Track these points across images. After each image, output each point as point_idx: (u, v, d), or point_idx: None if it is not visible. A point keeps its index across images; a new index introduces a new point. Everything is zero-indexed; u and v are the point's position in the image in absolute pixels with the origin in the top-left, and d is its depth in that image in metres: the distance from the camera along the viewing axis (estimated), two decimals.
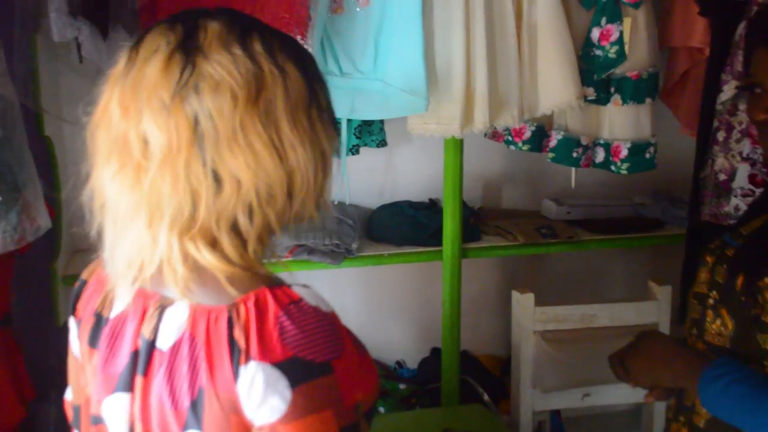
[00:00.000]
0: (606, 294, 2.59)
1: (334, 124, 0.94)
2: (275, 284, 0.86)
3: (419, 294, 2.52)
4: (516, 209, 2.53)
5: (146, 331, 0.89)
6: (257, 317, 0.82)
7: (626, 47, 1.98)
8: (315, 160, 0.88)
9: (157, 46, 0.85)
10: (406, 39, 1.89)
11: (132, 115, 0.84)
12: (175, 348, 0.86)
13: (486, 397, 2.34)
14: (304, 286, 0.87)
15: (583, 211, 2.43)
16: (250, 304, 0.83)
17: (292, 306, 0.83)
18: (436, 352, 2.51)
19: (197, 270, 0.85)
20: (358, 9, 1.91)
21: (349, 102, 2.00)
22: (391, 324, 2.55)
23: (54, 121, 1.99)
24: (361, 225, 2.34)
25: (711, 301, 1.23)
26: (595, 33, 2.00)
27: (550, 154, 2.14)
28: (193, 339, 0.85)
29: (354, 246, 2.21)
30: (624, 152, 2.09)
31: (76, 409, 1.02)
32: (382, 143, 2.19)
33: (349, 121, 2.07)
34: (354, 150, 2.14)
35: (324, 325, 0.83)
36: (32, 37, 1.87)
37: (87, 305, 0.98)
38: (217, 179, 0.83)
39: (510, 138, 2.18)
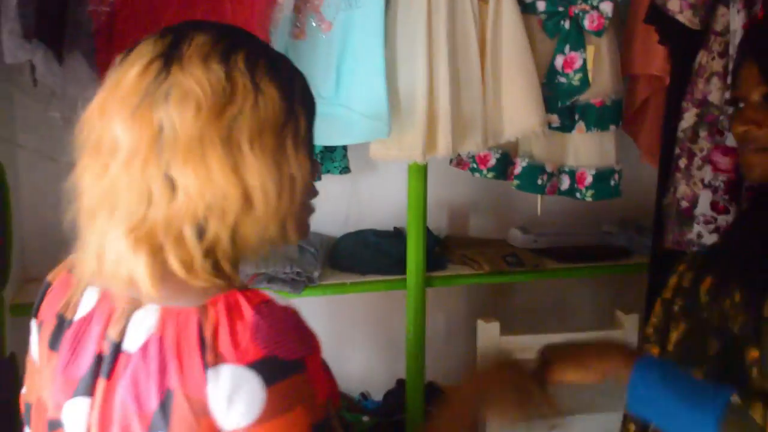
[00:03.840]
0: (573, 323, 2.57)
1: (311, 151, 0.94)
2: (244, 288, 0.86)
3: (384, 324, 2.48)
4: (482, 237, 2.51)
5: (113, 333, 0.89)
6: (228, 318, 0.82)
7: (590, 74, 1.99)
8: (280, 183, 0.87)
9: (145, 53, 0.87)
10: (368, 64, 1.88)
11: (107, 116, 0.87)
12: (144, 349, 0.85)
13: None
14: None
15: (549, 240, 2.42)
16: (221, 305, 0.83)
17: (263, 305, 0.83)
18: (401, 383, 2.46)
19: (165, 273, 0.85)
20: (320, 34, 1.90)
21: None
22: (356, 355, 2.50)
23: (7, 147, 1.94)
24: (324, 253, 2.30)
25: (675, 308, 1.20)
26: (559, 60, 2.00)
27: (515, 182, 2.12)
28: (162, 340, 0.84)
29: (315, 274, 2.17)
30: (589, 179, 2.08)
31: (27, 407, 1.01)
32: (345, 170, 2.16)
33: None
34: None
35: (295, 323, 0.84)
36: None
37: (50, 307, 0.98)
38: (172, 187, 0.84)
39: (475, 165, 2.16)
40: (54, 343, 0.95)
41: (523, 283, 2.50)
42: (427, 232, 2.18)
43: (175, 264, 0.84)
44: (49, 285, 1.01)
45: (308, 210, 0.97)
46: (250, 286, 2.07)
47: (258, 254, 0.90)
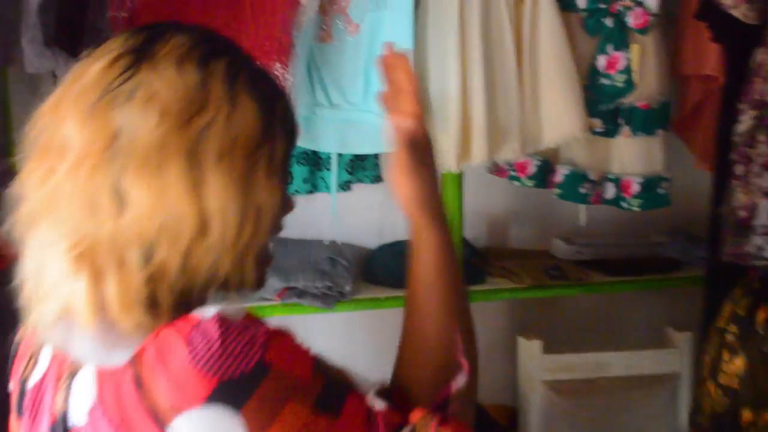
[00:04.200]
0: (621, 341, 2.43)
1: (286, 181, 0.83)
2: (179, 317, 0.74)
3: None
4: (523, 249, 2.38)
5: (59, 403, 0.78)
6: (161, 362, 0.71)
7: (635, 76, 1.86)
8: (244, 211, 0.76)
9: (114, 47, 0.77)
10: None
11: (60, 113, 0.76)
12: (92, 423, 0.75)
13: None
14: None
15: (595, 251, 2.28)
16: (150, 350, 0.72)
17: (194, 332, 0.71)
18: None
19: (103, 305, 0.74)
20: (347, 37, 1.82)
21: (339, 135, 1.90)
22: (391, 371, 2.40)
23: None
24: (358, 266, 2.21)
25: (730, 337, 1.09)
26: (602, 61, 1.89)
27: (557, 191, 2.01)
28: (105, 411, 0.73)
29: (347, 288, 2.08)
30: (635, 188, 1.96)
31: None
32: (378, 179, 2.07)
33: (339, 155, 1.96)
34: (345, 186, 2.02)
35: (232, 330, 0.72)
36: (3, 69, 1.79)
37: (16, 371, 0.88)
38: (121, 200, 0.72)
39: (513, 173, 2.05)
40: (19, 410, 0.86)
41: (567, 298, 2.37)
42: (465, 243, 2.07)
43: (111, 293, 0.73)
44: (17, 345, 0.90)
45: (267, 256, 0.84)
46: (280, 301, 2.02)
47: (204, 293, 0.76)
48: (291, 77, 1.75)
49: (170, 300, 0.75)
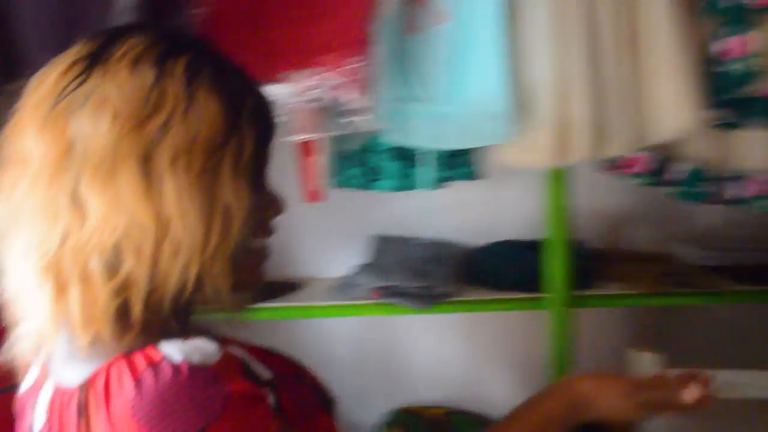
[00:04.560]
0: (751, 357, 2.19)
1: (260, 179, 0.78)
2: (146, 346, 0.70)
3: (524, 345, 2.25)
4: (642, 251, 2.20)
5: (28, 416, 0.78)
6: (106, 402, 0.68)
7: (758, 61, 1.65)
8: (208, 215, 0.72)
9: (72, 53, 0.76)
10: (489, 58, 1.69)
11: (20, 124, 0.75)
12: None
13: None
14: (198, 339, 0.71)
15: (722, 256, 2.07)
16: (100, 380, 0.69)
17: (147, 372, 0.68)
18: None
19: (64, 329, 0.72)
20: (435, 27, 1.73)
21: (429, 130, 1.82)
22: (494, 378, 2.30)
23: None
24: (458, 266, 2.13)
25: None
26: (720, 46, 1.68)
27: (672, 189, 1.83)
28: (50, 430, 0.73)
29: (446, 290, 2.01)
30: (760, 186, 1.74)
31: None
32: (472, 176, 1.98)
33: (432, 151, 1.89)
34: (440, 183, 1.95)
35: (189, 382, 0.67)
36: None
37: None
38: (81, 210, 0.71)
39: (625, 170, 1.89)
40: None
41: (691, 308, 2.16)
42: (575, 245, 1.94)
43: (74, 306, 0.70)
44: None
45: (256, 254, 0.79)
46: (375, 300, 1.99)
47: (178, 302, 0.72)
48: (371, 71, 1.70)
49: (142, 312, 0.71)
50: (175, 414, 0.65)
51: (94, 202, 0.70)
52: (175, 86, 0.72)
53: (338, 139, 1.89)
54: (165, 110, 0.71)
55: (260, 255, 0.81)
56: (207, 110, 0.73)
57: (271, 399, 0.72)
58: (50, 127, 0.72)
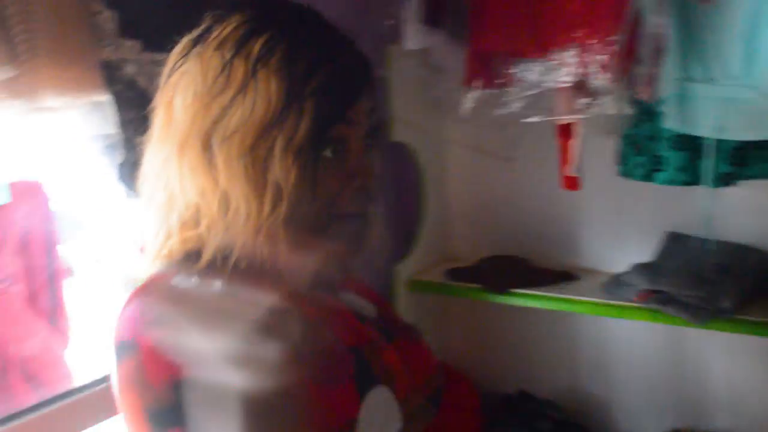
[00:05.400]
0: None
1: (311, 162, 0.80)
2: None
3: None
4: None
5: None
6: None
7: None
8: (259, 188, 0.78)
9: (193, 32, 0.84)
10: None
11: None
12: None
13: None
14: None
15: None
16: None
17: (137, 289, 0.83)
18: None
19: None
20: None
21: (715, 117, 1.56)
22: None
23: (439, 141, 2.14)
24: (755, 278, 1.79)
25: None
26: None
27: None
28: None
29: (727, 304, 1.71)
30: None
31: None
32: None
33: (718, 141, 1.61)
34: (726, 180, 1.65)
35: (136, 298, 0.81)
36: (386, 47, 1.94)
37: None
38: (166, 177, 0.82)
39: None
40: None
41: None
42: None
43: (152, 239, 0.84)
44: None
45: (344, 222, 0.83)
46: (642, 304, 1.78)
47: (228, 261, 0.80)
48: (642, 46, 1.51)
49: (212, 255, 0.80)
50: (119, 322, 0.82)
51: (174, 172, 0.80)
52: (242, 67, 0.78)
53: (625, 124, 1.71)
54: (229, 91, 0.77)
55: (350, 223, 0.84)
56: (265, 91, 0.77)
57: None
58: (161, 101, 0.83)
